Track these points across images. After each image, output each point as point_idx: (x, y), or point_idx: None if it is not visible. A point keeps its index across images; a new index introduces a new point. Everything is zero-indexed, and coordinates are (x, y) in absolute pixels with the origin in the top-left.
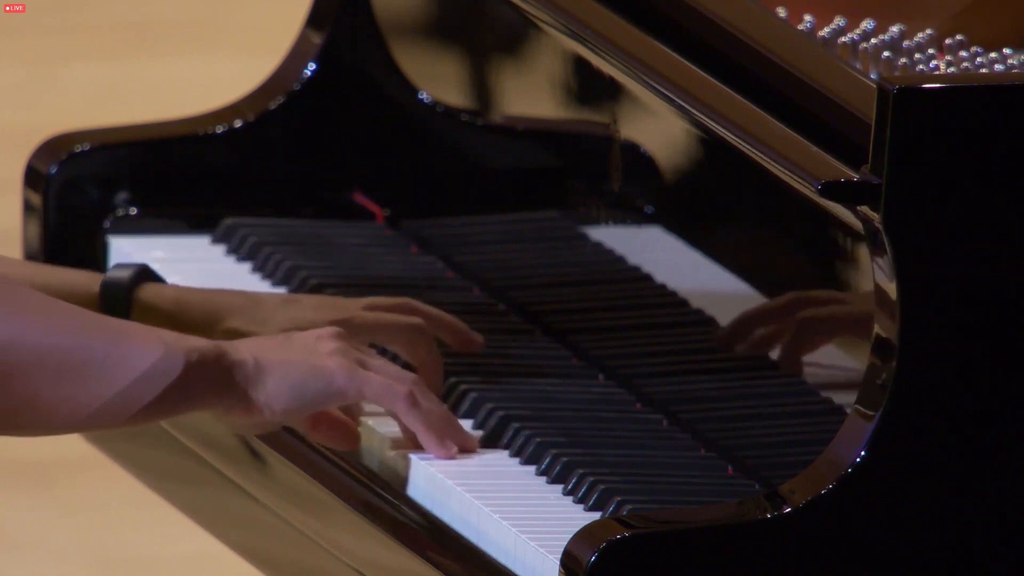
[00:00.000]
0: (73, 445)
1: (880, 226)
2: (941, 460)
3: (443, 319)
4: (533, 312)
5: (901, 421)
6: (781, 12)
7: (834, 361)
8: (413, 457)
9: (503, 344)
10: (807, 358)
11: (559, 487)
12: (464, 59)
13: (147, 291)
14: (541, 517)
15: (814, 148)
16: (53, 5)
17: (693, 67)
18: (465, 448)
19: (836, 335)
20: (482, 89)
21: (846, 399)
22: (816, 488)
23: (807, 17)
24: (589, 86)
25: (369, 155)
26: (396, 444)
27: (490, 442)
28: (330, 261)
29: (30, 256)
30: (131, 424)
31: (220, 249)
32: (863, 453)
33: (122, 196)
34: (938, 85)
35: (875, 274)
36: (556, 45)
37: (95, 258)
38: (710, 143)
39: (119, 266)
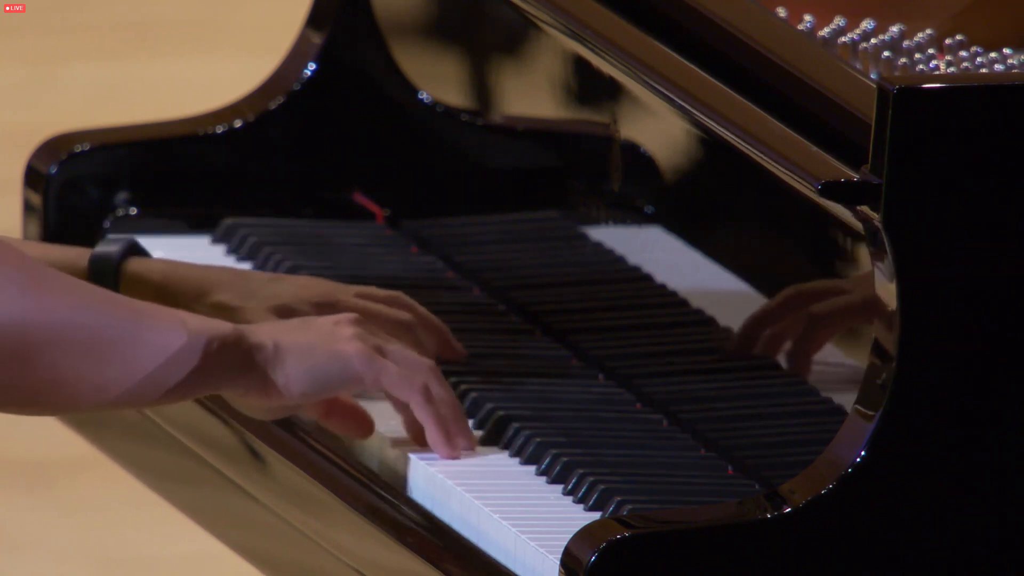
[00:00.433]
0: (73, 445)
1: (880, 226)
2: (941, 460)
3: (431, 320)
4: (533, 312)
5: (901, 421)
6: (781, 12)
7: (834, 361)
8: (413, 457)
9: (503, 344)
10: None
11: (559, 487)
12: (464, 59)
13: (135, 264)
14: (541, 517)
15: (814, 148)
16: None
17: (693, 67)
18: (467, 447)
19: (844, 323)
20: (482, 89)
21: (846, 399)
22: (816, 488)
23: (807, 17)
24: (589, 86)
25: (369, 155)
26: (396, 443)
27: (490, 442)
28: (330, 261)
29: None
30: (153, 404)
31: (220, 249)
32: (863, 453)
33: (122, 196)
34: (938, 85)
35: (875, 274)
36: (556, 45)
37: None
38: (710, 143)
39: (107, 240)
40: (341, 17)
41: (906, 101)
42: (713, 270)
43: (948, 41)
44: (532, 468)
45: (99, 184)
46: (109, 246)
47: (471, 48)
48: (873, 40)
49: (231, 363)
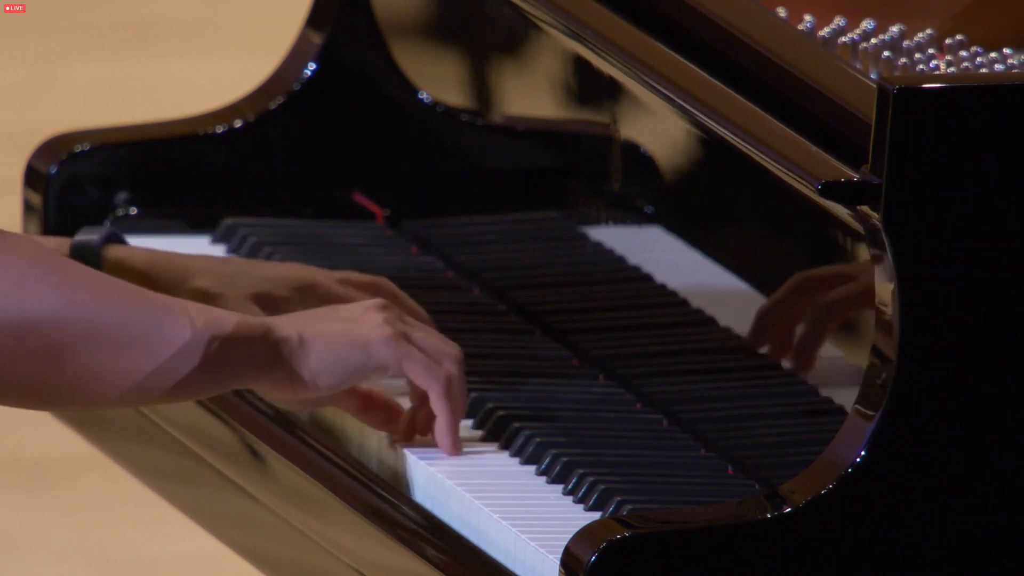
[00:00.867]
0: (73, 445)
1: (880, 226)
2: (941, 460)
3: (413, 308)
4: (533, 312)
5: (901, 421)
6: (781, 12)
7: (831, 356)
8: (413, 457)
9: (503, 344)
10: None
11: (559, 487)
12: (464, 59)
13: (116, 251)
14: (541, 517)
15: (814, 148)
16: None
17: (693, 67)
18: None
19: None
20: (482, 89)
21: (846, 399)
22: (816, 488)
23: (807, 17)
24: (589, 86)
25: (369, 155)
26: (396, 443)
27: (490, 442)
28: (330, 261)
29: None
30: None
31: (220, 249)
32: (863, 453)
33: (122, 196)
34: (938, 85)
35: (875, 274)
36: (556, 45)
37: None
38: (710, 143)
39: (87, 229)
40: (341, 17)
41: (906, 101)
42: (713, 270)
43: (948, 41)
44: (532, 468)
45: (99, 184)
46: (89, 234)
47: (471, 48)
48: (873, 40)
49: (257, 355)
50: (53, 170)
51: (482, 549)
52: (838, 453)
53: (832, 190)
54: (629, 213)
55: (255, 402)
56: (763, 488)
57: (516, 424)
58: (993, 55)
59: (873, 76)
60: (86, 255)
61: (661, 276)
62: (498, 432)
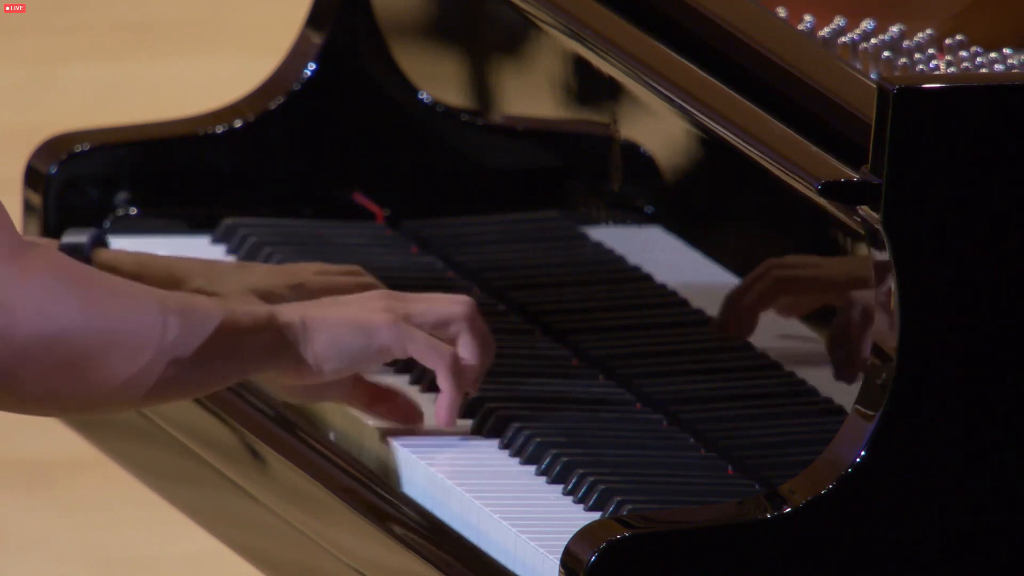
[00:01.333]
0: (73, 445)
1: (880, 226)
2: (941, 460)
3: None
4: (533, 312)
5: (901, 421)
6: (781, 12)
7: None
8: (413, 456)
9: (503, 344)
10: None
11: (559, 487)
12: (464, 59)
13: (106, 254)
14: (541, 517)
15: (814, 148)
16: (53, 5)
17: (693, 67)
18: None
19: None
20: (482, 89)
21: (846, 399)
22: (816, 488)
23: (807, 17)
24: (589, 86)
25: (369, 155)
26: (395, 442)
27: (490, 442)
28: (330, 261)
29: None
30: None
31: (220, 249)
32: (863, 453)
33: (122, 196)
34: (938, 85)
35: (875, 274)
36: (556, 45)
37: None
38: (710, 143)
39: (73, 231)
40: (341, 17)
41: (906, 101)
42: (713, 270)
43: (948, 41)
44: (532, 468)
45: (99, 184)
46: (77, 236)
47: (471, 48)
48: (873, 40)
49: (264, 343)
50: (53, 170)
51: (482, 549)
52: (838, 453)
53: (832, 190)
54: (629, 213)
55: (255, 402)
56: (763, 488)
57: (516, 424)
58: (993, 55)
59: (873, 76)
60: (75, 258)
61: (661, 276)
62: (498, 432)
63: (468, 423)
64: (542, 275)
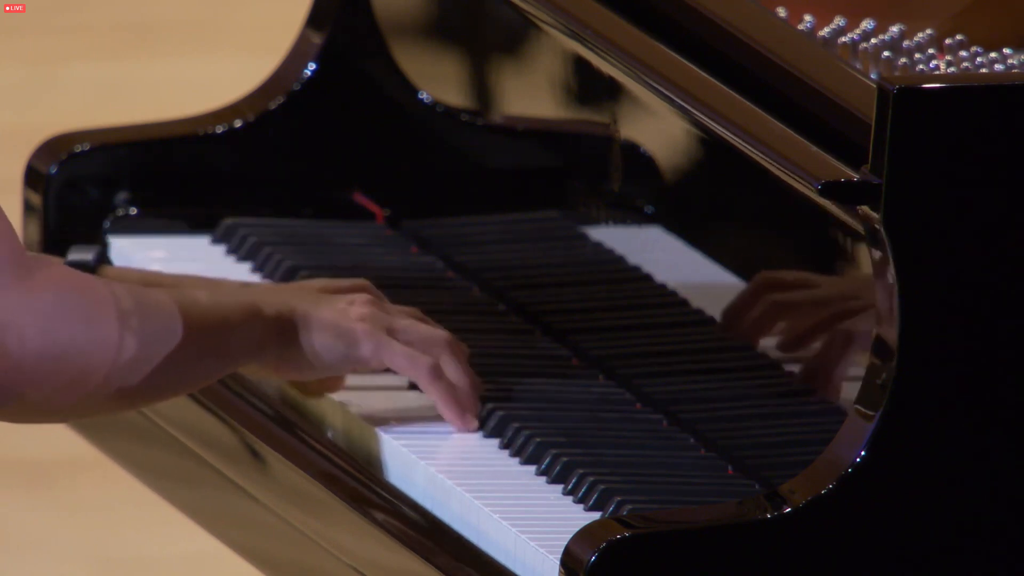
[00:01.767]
0: (73, 445)
1: (880, 226)
2: (941, 460)
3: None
4: (533, 312)
5: (901, 421)
6: (781, 12)
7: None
8: (414, 456)
9: (503, 344)
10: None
11: (559, 487)
12: (464, 59)
13: (111, 272)
14: (541, 517)
15: (814, 148)
16: (53, 5)
17: (693, 67)
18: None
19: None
20: (482, 89)
21: (846, 399)
22: (816, 488)
23: (807, 17)
24: (589, 86)
25: (369, 155)
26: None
27: (490, 442)
28: (330, 261)
29: None
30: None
31: (220, 249)
32: (863, 453)
33: (122, 196)
34: (938, 85)
35: (875, 274)
36: (556, 45)
37: None
38: (710, 143)
39: (78, 248)
40: (341, 17)
41: (906, 101)
42: (713, 270)
43: (948, 41)
44: (532, 468)
45: (99, 184)
46: (82, 253)
47: (471, 48)
48: (873, 40)
49: (250, 338)
50: (53, 170)
51: (482, 549)
52: (838, 453)
53: (832, 190)
54: (629, 213)
55: (255, 402)
56: (763, 488)
57: (516, 424)
58: (993, 55)
59: (873, 76)
60: None
61: (661, 276)
62: (498, 432)
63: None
64: (542, 275)
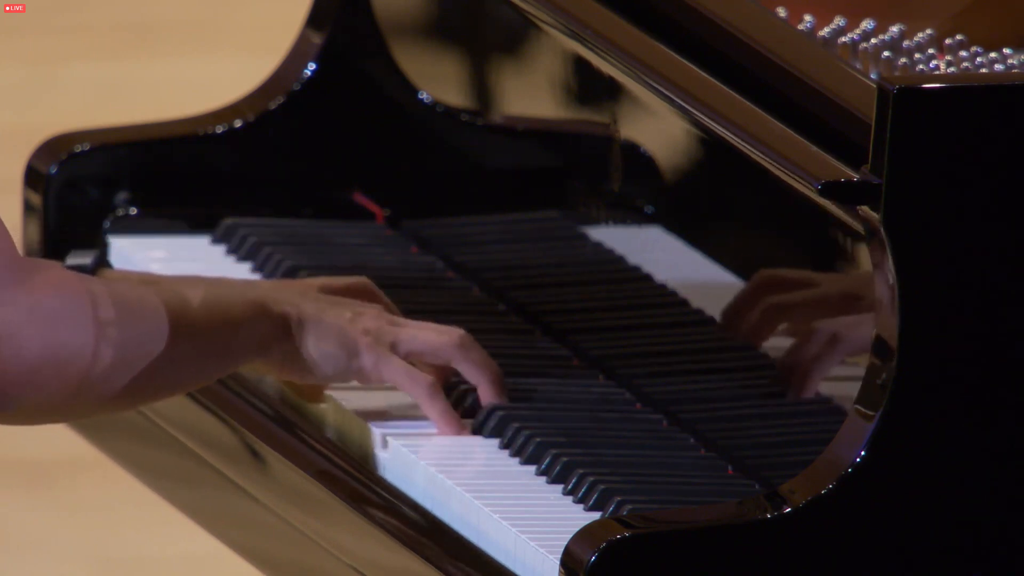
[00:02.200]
0: (73, 445)
1: (880, 226)
2: (941, 460)
3: (392, 309)
4: (533, 312)
5: (901, 421)
6: (781, 12)
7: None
8: (413, 457)
9: (503, 344)
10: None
11: (559, 487)
12: (464, 59)
13: (111, 275)
14: (541, 517)
15: (814, 148)
16: (53, 5)
17: (693, 67)
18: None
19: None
20: (482, 89)
21: (846, 399)
22: (816, 488)
23: (807, 17)
24: (589, 86)
25: (369, 155)
26: (395, 442)
27: (490, 442)
28: (330, 261)
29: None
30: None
31: (220, 249)
32: (863, 453)
33: (122, 196)
34: (938, 85)
35: (875, 274)
36: (556, 45)
37: None
38: (710, 143)
39: (76, 253)
40: (341, 17)
41: (906, 101)
42: (713, 270)
43: (948, 41)
44: (532, 468)
45: (99, 184)
46: (80, 258)
47: (471, 48)
48: (873, 40)
49: (255, 336)
50: (53, 170)
51: (482, 549)
52: (838, 453)
53: (832, 190)
54: (629, 213)
55: (255, 402)
56: (763, 488)
57: (516, 424)
58: (993, 55)
59: (873, 76)
60: None
61: (661, 276)
62: (498, 432)
63: (468, 423)
64: (542, 275)
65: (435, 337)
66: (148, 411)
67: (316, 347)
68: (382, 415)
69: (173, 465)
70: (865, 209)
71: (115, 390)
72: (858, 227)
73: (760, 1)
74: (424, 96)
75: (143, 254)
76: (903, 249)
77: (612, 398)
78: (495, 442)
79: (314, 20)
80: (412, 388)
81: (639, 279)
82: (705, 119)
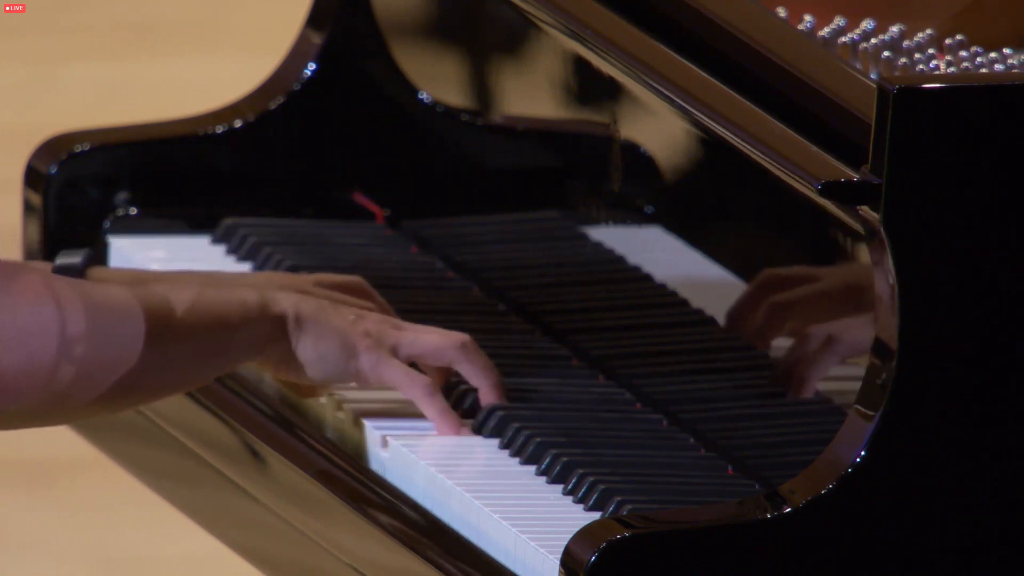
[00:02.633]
0: (73, 445)
1: (880, 226)
2: (941, 460)
3: (385, 308)
4: (533, 312)
5: (901, 421)
6: (781, 12)
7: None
8: (413, 456)
9: (503, 344)
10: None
11: (559, 487)
12: (464, 59)
13: (100, 273)
14: (541, 517)
15: (814, 148)
16: (53, 5)
17: (693, 67)
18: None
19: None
20: (482, 89)
21: (846, 399)
22: (816, 488)
23: (807, 17)
24: (589, 86)
25: (369, 155)
26: (395, 442)
27: (490, 442)
28: (330, 261)
29: (30, 256)
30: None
31: (220, 249)
32: (863, 453)
33: (122, 196)
34: (938, 85)
35: (875, 274)
36: (556, 45)
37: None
38: (710, 143)
39: (66, 252)
40: (341, 17)
41: (906, 101)
42: (713, 270)
43: (948, 41)
44: (532, 468)
45: (99, 184)
46: (70, 257)
47: (471, 48)
48: (873, 40)
49: (254, 336)
50: (53, 170)
51: (482, 549)
52: (838, 453)
53: (832, 190)
54: (629, 213)
55: (255, 402)
56: (763, 488)
57: (516, 424)
58: (993, 55)
59: (873, 76)
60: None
61: (661, 276)
62: (498, 432)
63: (468, 423)
64: (542, 275)
65: (437, 340)
66: (148, 411)
67: (314, 348)
68: (382, 415)
69: (173, 465)
70: (865, 209)
71: (87, 399)
72: (858, 227)
73: (760, 1)
74: (424, 96)
75: (143, 254)
76: (903, 249)
77: (612, 398)
78: (495, 442)
79: (314, 20)
80: (410, 389)
81: (639, 279)
82: (705, 119)
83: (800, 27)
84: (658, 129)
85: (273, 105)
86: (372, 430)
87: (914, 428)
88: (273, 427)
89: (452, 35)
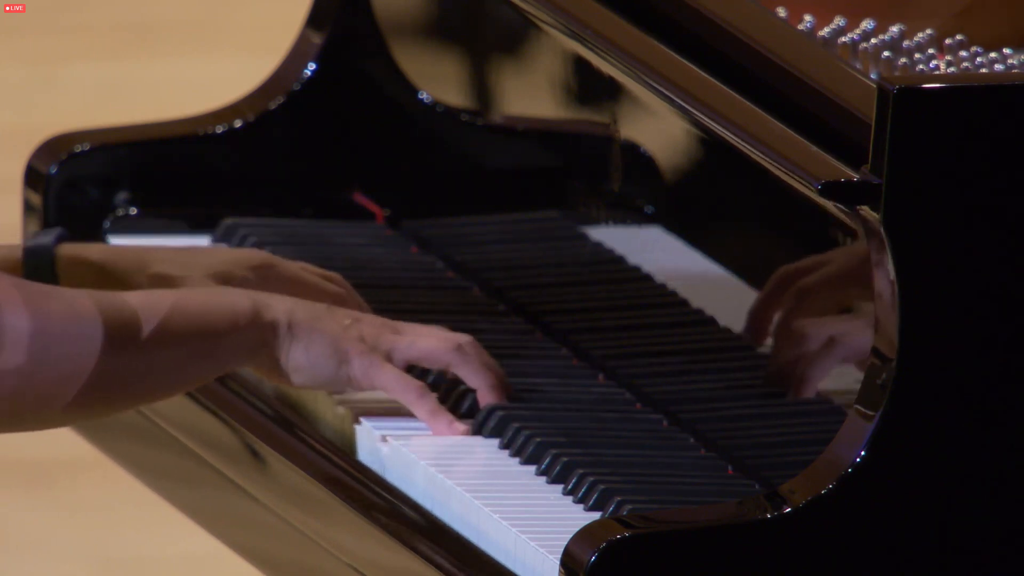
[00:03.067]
0: (73, 445)
1: (880, 226)
2: (941, 460)
3: (364, 307)
4: (533, 312)
5: (901, 421)
6: (781, 12)
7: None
8: (413, 456)
9: (503, 344)
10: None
11: (559, 487)
12: (464, 59)
13: (71, 248)
14: (541, 517)
15: (814, 148)
16: (53, 5)
17: (693, 67)
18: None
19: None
20: (482, 89)
21: (846, 399)
22: (816, 488)
23: (807, 17)
24: (589, 86)
25: (369, 155)
26: (395, 442)
27: (490, 442)
28: (330, 261)
29: None
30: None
31: None
32: (863, 453)
33: (122, 196)
34: (938, 85)
35: (875, 274)
36: (556, 45)
37: None
38: (710, 143)
39: (39, 233)
40: (341, 17)
41: (906, 101)
42: (713, 270)
43: (948, 41)
44: (532, 468)
45: (99, 184)
46: (41, 237)
47: (471, 48)
48: (873, 40)
49: (245, 342)
50: (53, 170)
51: (482, 549)
52: (838, 453)
53: (832, 190)
54: (629, 213)
55: (255, 402)
56: (763, 488)
57: (516, 424)
58: (993, 55)
59: (873, 76)
60: (40, 256)
61: (661, 276)
62: (498, 432)
63: (468, 423)
64: (542, 275)
65: (433, 343)
66: (148, 411)
67: (306, 354)
68: (382, 414)
69: (173, 465)
70: (865, 209)
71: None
72: (858, 227)
73: (760, 1)
74: (424, 96)
75: None
76: (903, 249)
77: (612, 398)
78: (495, 442)
79: (314, 20)
80: (402, 393)
81: (639, 279)
82: (705, 119)
83: (800, 27)
84: (658, 129)
85: (273, 105)
86: (372, 430)
87: (914, 428)
88: (273, 427)
89: (452, 35)
